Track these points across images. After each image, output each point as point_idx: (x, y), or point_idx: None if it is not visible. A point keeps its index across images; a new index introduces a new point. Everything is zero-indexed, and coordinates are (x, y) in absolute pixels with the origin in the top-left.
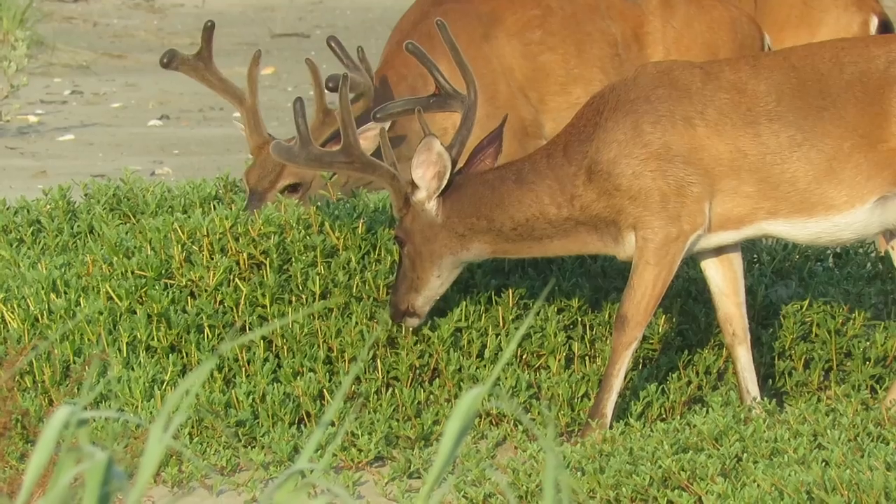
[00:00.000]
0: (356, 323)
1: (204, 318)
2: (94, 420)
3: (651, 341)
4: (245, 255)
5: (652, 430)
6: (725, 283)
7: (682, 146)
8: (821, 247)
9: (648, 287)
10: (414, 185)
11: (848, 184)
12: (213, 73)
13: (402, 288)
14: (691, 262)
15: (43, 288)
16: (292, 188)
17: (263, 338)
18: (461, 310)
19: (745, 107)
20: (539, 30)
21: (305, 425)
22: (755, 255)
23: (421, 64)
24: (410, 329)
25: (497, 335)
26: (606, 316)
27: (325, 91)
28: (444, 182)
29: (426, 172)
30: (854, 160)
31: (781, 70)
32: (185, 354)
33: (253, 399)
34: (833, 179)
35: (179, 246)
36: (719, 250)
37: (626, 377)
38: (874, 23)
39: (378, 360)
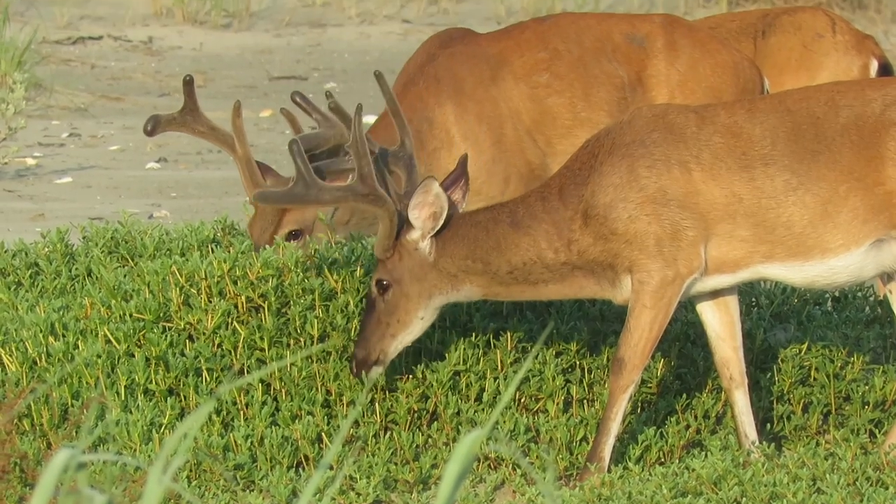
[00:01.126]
0: None
1: (202, 361)
2: (93, 463)
3: (649, 385)
4: (243, 298)
5: (650, 474)
6: (722, 327)
7: (677, 190)
8: (817, 290)
9: (645, 330)
10: (408, 225)
11: (844, 227)
12: (202, 123)
13: (374, 336)
14: (689, 305)
15: (41, 331)
16: (294, 235)
17: (262, 381)
18: (459, 353)
19: (741, 151)
20: (546, 73)
21: (304, 468)
22: (754, 299)
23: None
24: (371, 378)
25: (495, 378)
26: (605, 359)
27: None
28: (440, 223)
29: (422, 212)
30: (850, 204)
31: (777, 114)
32: (183, 397)
33: (251, 442)
34: (829, 223)
35: (178, 289)
36: (716, 294)
37: (624, 420)
38: (874, 66)
39: (376, 404)
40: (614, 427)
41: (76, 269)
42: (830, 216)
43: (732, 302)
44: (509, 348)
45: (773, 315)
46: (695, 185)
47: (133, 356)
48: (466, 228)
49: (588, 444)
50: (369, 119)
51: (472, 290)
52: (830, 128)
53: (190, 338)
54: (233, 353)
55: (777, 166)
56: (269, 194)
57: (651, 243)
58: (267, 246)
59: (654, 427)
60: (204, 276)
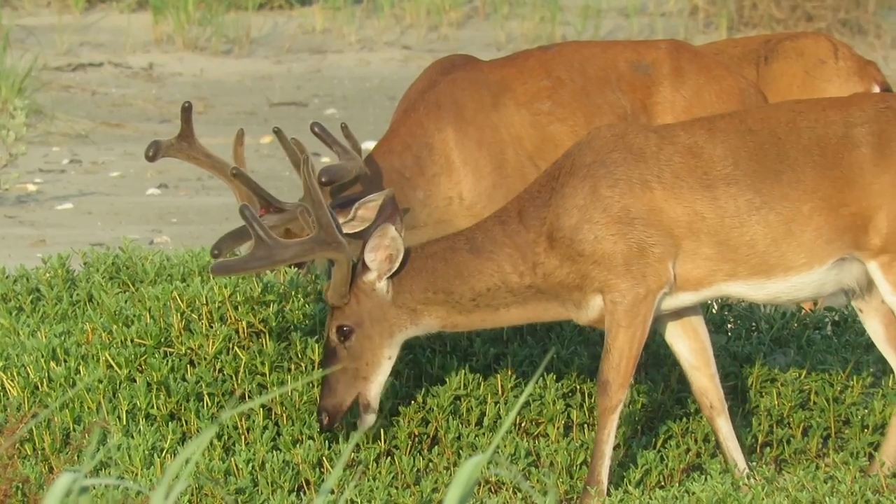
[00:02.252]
0: None
1: (203, 386)
2: (95, 488)
3: (649, 409)
4: (244, 323)
5: (651, 498)
6: (694, 356)
7: (640, 208)
8: (778, 304)
9: (625, 349)
10: (364, 267)
11: (808, 246)
12: (198, 150)
13: (341, 385)
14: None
15: (43, 356)
16: (297, 265)
17: (263, 406)
18: (460, 378)
19: (702, 170)
20: (549, 100)
21: (305, 493)
22: (753, 324)
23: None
24: (368, 425)
25: (496, 403)
26: None
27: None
28: (396, 265)
29: (378, 254)
30: (815, 223)
31: (738, 134)
32: (184, 422)
33: (252, 467)
34: (793, 242)
35: (178, 314)
36: (680, 316)
37: (624, 444)
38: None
39: (377, 428)
40: (608, 449)
41: (77, 294)
42: (794, 235)
43: (701, 328)
44: (510, 373)
45: (772, 339)
46: (657, 203)
47: (134, 381)
48: (422, 261)
49: (588, 467)
50: (369, 145)
51: (432, 322)
52: (793, 148)
53: (191, 363)
54: (234, 378)
55: (740, 185)
56: (230, 264)
57: (619, 262)
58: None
59: (654, 451)
60: (205, 302)
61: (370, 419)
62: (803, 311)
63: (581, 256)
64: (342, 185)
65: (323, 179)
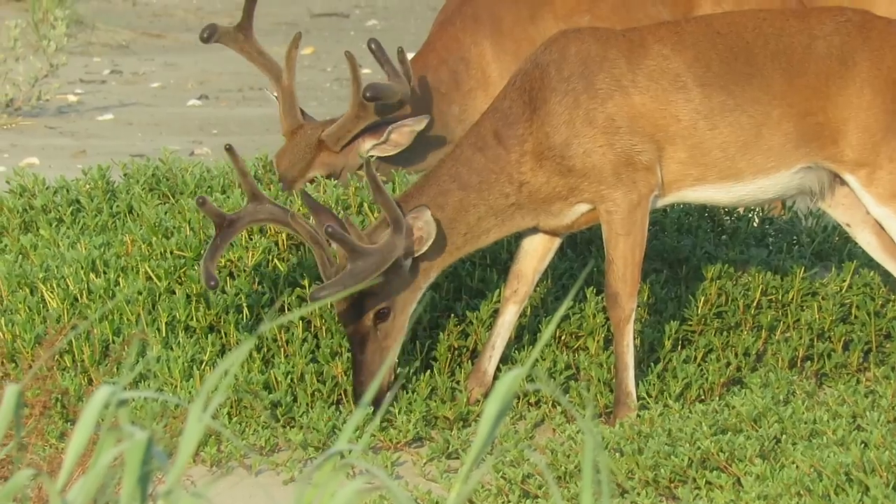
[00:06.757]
0: None
1: (243, 298)
2: (134, 400)
3: (690, 323)
4: (284, 235)
5: (690, 412)
6: (540, 247)
7: (623, 116)
8: (740, 206)
9: (628, 257)
10: None
11: (777, 151)
12: (252, 45)
13: (375, 365)
14: (730, 244)
15: (82, 267)
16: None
17: (302, 318)
18: (500, 291)
19: (674, 73)
20: (588, 14)
21: (344, 405)
22: (794, 237)
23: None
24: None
25: (536, 316)
26: (645, 297)
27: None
28: (424, 249)
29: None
30: (783, 128)
31: (707, 37)
32: (223, 334)
33: (291, 379)
34: (763, 146)
35: None
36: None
37: (665, 359)
38: None
39: (416, 341)
40: (630, 359)
41: (117, 206)
42: (764, 139)
43: (556, 245)
44: (549, 286)
45: (814, 253)
46: (637, 109)
47: (174, 293)
48: None
49: None
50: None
51: (432, 276)
52: (761, 52)
53: (231, 275)
54: (273, 290)
55: (713, 87)
56: (331, 288)
57: (608, 173)
58: (295, 180)
59: (694, 364)
60: None
61: (390, 397)
62: (773, 213)
63: (571, 171)
64: (386, 106)
65: (367, 95)
